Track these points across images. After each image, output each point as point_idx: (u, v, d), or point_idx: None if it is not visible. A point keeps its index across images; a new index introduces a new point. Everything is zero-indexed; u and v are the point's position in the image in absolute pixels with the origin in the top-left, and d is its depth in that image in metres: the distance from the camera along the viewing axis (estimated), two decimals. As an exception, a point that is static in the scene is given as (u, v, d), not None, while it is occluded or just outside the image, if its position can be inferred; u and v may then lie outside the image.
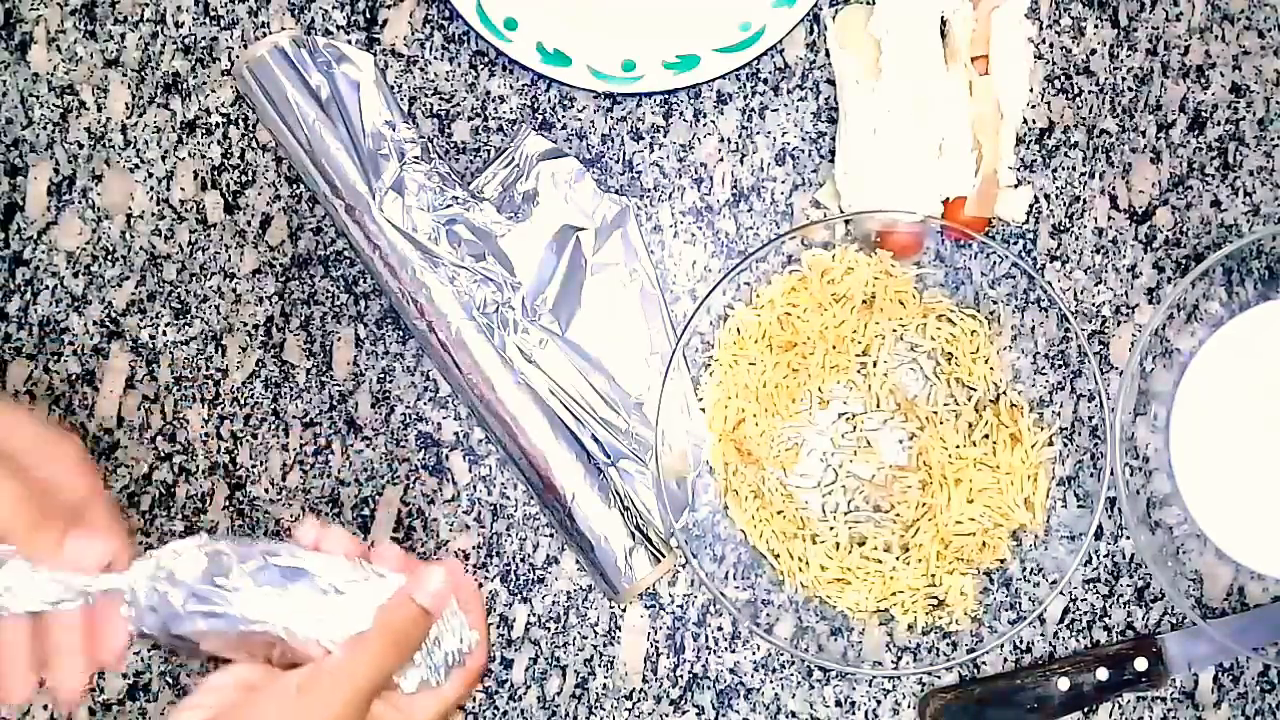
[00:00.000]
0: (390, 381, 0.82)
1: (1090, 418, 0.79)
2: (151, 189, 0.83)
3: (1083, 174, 0.82)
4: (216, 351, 0.83)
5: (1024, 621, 0.78)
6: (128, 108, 0.83)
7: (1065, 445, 0.80)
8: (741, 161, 0.82)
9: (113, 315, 0.83)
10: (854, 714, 0.81)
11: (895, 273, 0.80)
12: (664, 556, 0.79)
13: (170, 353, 0.83)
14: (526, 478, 0.80)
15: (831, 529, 0.80)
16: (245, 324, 0.83)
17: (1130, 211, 0.82)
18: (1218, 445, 0.78)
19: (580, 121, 0.83)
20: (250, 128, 0.83)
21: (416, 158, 0.78)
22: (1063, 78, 0.82)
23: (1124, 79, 0.82)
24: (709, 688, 0.81)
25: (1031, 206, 0.82)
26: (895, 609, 0.80)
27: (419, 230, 0.78)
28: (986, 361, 0.80)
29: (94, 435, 0.82)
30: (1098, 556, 0.81)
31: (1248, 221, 0.82)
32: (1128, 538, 0.81)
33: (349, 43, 0.81)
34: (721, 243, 0.82)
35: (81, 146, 0.83)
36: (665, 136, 0.82)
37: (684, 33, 0.80)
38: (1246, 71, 0.82)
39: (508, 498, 0.82)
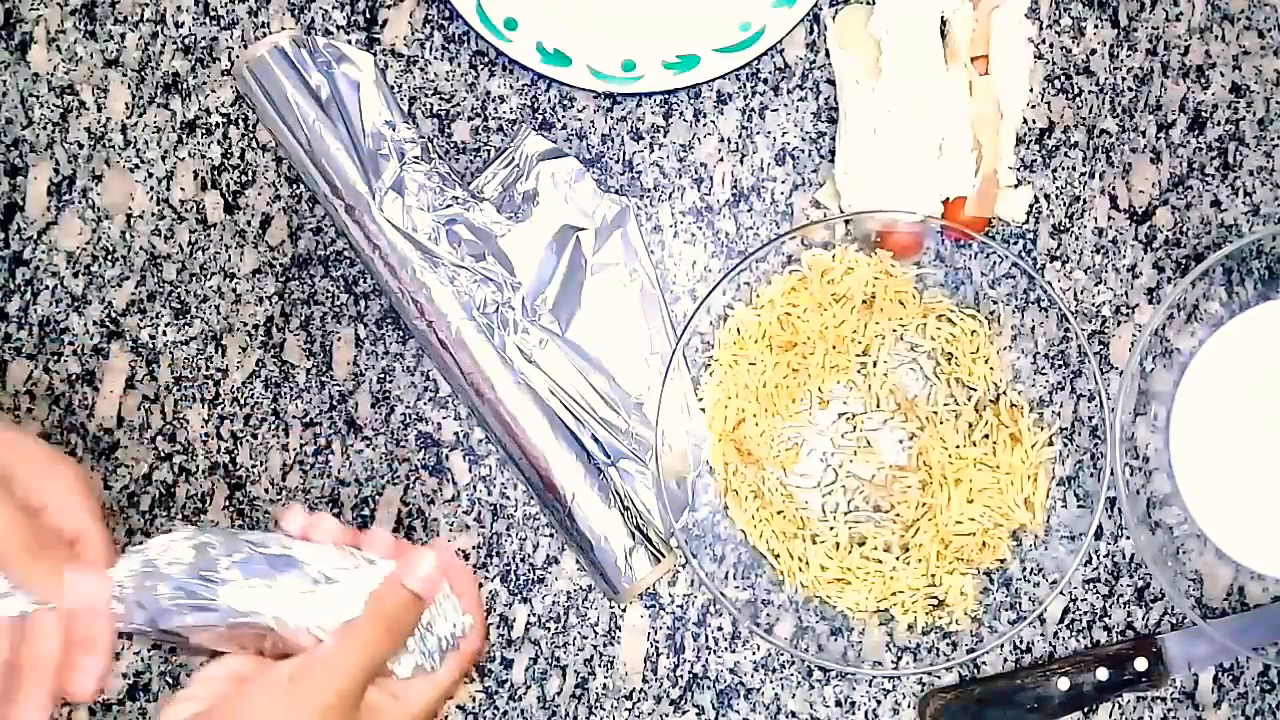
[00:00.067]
0: (390, 381, 0.82)
1: (1090, 418, 0.79)
2: (151, 189, 0.83)
3: (1083, 174, 0.82)
4: (216, 351, 0.83)
5: (1024, 621, 0.78)
6: (128, 108, 0.83)
7: (1065, 445, 0.80)
8: (741, 161, 0.82)
9: (113, 315, 0.83)
10: (854, 714, 0.81)
11: (895, 273, 0.80)
12: (664, 556, 0.79)
13: (170, 353, 0.83)
14: (526, 478, 0.80)
15: (831, 529, 0.80)
16: (245, 324, 0.83)
17: (1130, 211, 0.82)
18: (1218, 445, 0.78)
19: (580, 121, 0.83)
20: (250, 128, 0.83)
21: (416, 158, 0.78)
22: (1063, 78, 0.82)
23: (1124, 79, 0.82)
24: (709, 688, 0.81)
25: (1031, 206, 0.82)
26: (895, 609, 0.80)
27: (419, 230, 0.78)
28: (986, 361, 0.80)
29: (94, 435, 0.82)
30: (1098, 556, 0.81)
31: (1248, 221, 0.82)
32: (1128, 538, 0.81)
33: (349, 43, 0.81)
34: (721, 243, 0.82)
35: (81, 146, 0.83)
36: (665, 136, 0.82)
37: (684, 33, 0.80)
38: (1246, 71, 0.82)
39: (508, 498, 0.82)
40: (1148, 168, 0.82)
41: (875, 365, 0.80)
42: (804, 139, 0.82)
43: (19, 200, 0.83)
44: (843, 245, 0.80)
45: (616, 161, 0.82)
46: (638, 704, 0.81)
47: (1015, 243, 0.82)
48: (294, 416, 0.82)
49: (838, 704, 0.81)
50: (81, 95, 0.83)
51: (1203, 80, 0.82)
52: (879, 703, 0.81)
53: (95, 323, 0.83)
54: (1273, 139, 0.82)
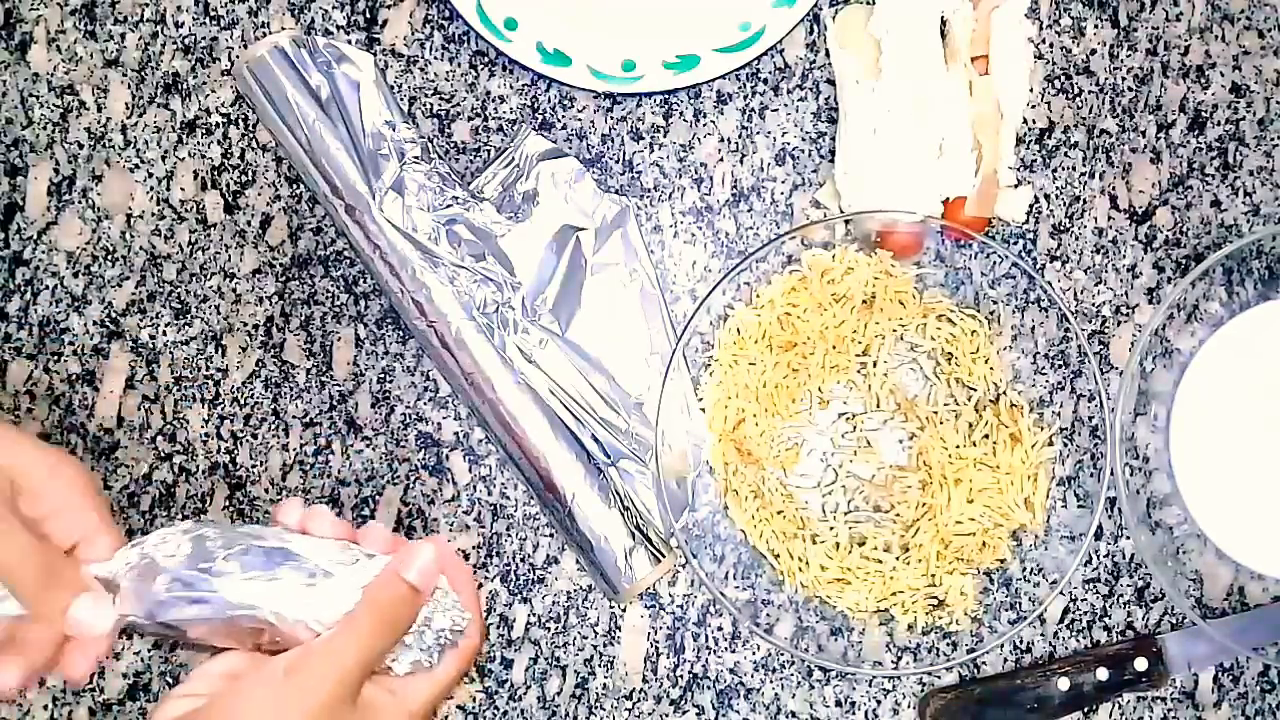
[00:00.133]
0: (390, 381, 0.82)
1: (1090, 418, 0.79)
2: (151, 189, 0.83)
3: (1083, 174, 0.82)
4: (216, 351, 0.83)
5: (1024, 621, 0.78)
6: (128, 108, 0.83)
7: (1065, 445, 0.80)
8: (741, 161, 0.82)
9: (113, 315, 0.83)
10: (854, 714, 0.81)
11: (895, 273, 0.80)
12: (664, 556, 0.79)
13: (170, 353, 0.83)
14: (526, 478, 0.80)
15: (831, 529, 0.80)
16: (245, 324, 0.83)
17: (1130, 211, 0.82)
18: (1218, 445, 0.78)
19: (580, 121, 0.83)
20: (250, 128, 0.83)
21: (416, 158, 0.78)
22: (1063, 78, 0.82)
23: (1124, 79, 0.82)
24: (709, 688, 0.81)
25: (1031, 206, 0.82)
26: (895, 609, 0.80)
27: (419, 230, 0.78)
28: (986, 361, 0.80)
29: (94, 435, 0.82)
30: (1098, 556, 0.81)
31: (1248, 221, 0.82)
32: (1128, 538, 0.81)
33: (349, 43, 0.81)
34: (721, 243, 0.82)
35: (81, 146, 0.83)
36: (665, 136, 0.82)
37: (684, 33, 0.80)
38: (1246, 71, 0.82)
39: (508, 498, 0.82)
40: (1148, 168, 0.82)
41: (875, 365, 0.80)
42: (804, 139, 0.82)
43: (19, 200, 0.83)
44: (843, 245, 0.80)
45: (616, 161, 0.82)
46: (638, 704, 0.81)
47: (1015, 243, 0.82)
48: (294, 416, 0.82)
49: (838, 704, 0.81)
50: (81, 95, 0.83)
51: (1203, 80, 0.82)
52: (879, 703, 0.81)
53: (95, 323, 0.83)
54: (1273, 139, 0.82)
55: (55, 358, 0.83)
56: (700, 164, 0.82)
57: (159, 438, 0.83)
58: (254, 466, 0.82)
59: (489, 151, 0.83)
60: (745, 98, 0.82)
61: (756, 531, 0.80)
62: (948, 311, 0.81)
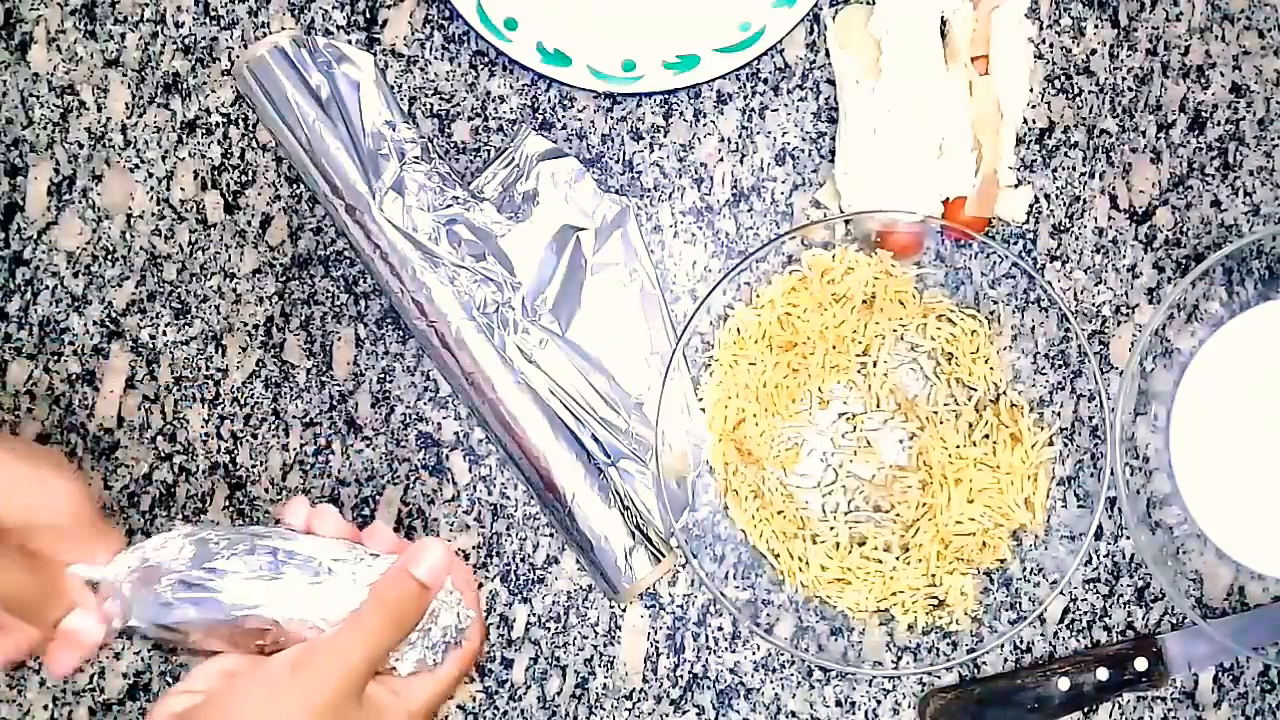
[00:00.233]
0: (390, 381, 0.82)
1: (1090, 418, 0.79)
2: (151, 189, 0.83)
3: (1083, 174, 0.82)
4: (216, 351, 0.83)
5: (1024, 621, 0.78)
6: (128, 108, 0.83)
7: (1065, 445, 0.80)
8: (741, 161, 0.82)
9: (113, 315, 0.83)
10: (854, 714, 0.81)
11: (895, 273, 0.80)
12: (664, 556, 0.79)
13: (170, 353, 0.83)
14: (526, 478, 0.80)
15: (832, 529, 0.80)
16: (245, 324, 0.83)
17: (1130, 211, 0.82)
18: (1218, 445, 0.78)
19: (580, 121, 0.83)
20: (250, 128, 0.83)
21: (416, 158, 0.78)
22: (1063, 78, 0.82)
23: (1124, 79, 0.82)
24: (709, 688, 0.81)
25: (1031, 206, 0.82)
26: (895, 609, 0.80)
27: (419, 230, 0.78)
28: (986, 361, 0.80)
29: (94, 435, 0.82)
30: (1098, 556, 0.81)
31: (1248, 221, 0.82)
32: (1128, 538, 0.81)
33: (349, 43, 0.81)
34: (721, 243, 0.82)
35: (81, 146, 0.83)
36: (665, 136, 0.82)
37: (684, 33, 0.80)
38: (1246, 71, 0.82)
39: (508, 498, 0.82)
40: (1148, 168, 0.82)
41: (875, 365, 0.80)
42: (804, 139, 0.82)
43: (19, 200, 0.83)
44: (843, 245, 0.80)
45: (616, 161, 0.82)
46: (638, 704, 0.81)
47: (1015, 243, 0.82)
48: (294, 416, 0.82)
49: (838, 704, 0.81)
50: (81, 95, 0.83)
51: (1203, 80, 0.82)
52: (879, 703, 0.81)
53: (95, 323, 0.83)
54: (1273, 139, 0.82)
55: (55, 358, 0.83)
56: (700, 164, 0.82)
57: (159, 438, 0.83)
58: (254, 466, 0.82)
59: (489, 151, 0.83)
60: (745, 98, 0.82)
61: (756, 531, 0.80)
62: (948, 311, 0.81)
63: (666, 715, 0.81)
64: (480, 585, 0.81)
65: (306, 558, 0.65)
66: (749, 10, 0.80)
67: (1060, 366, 0.80)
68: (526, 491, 0.82)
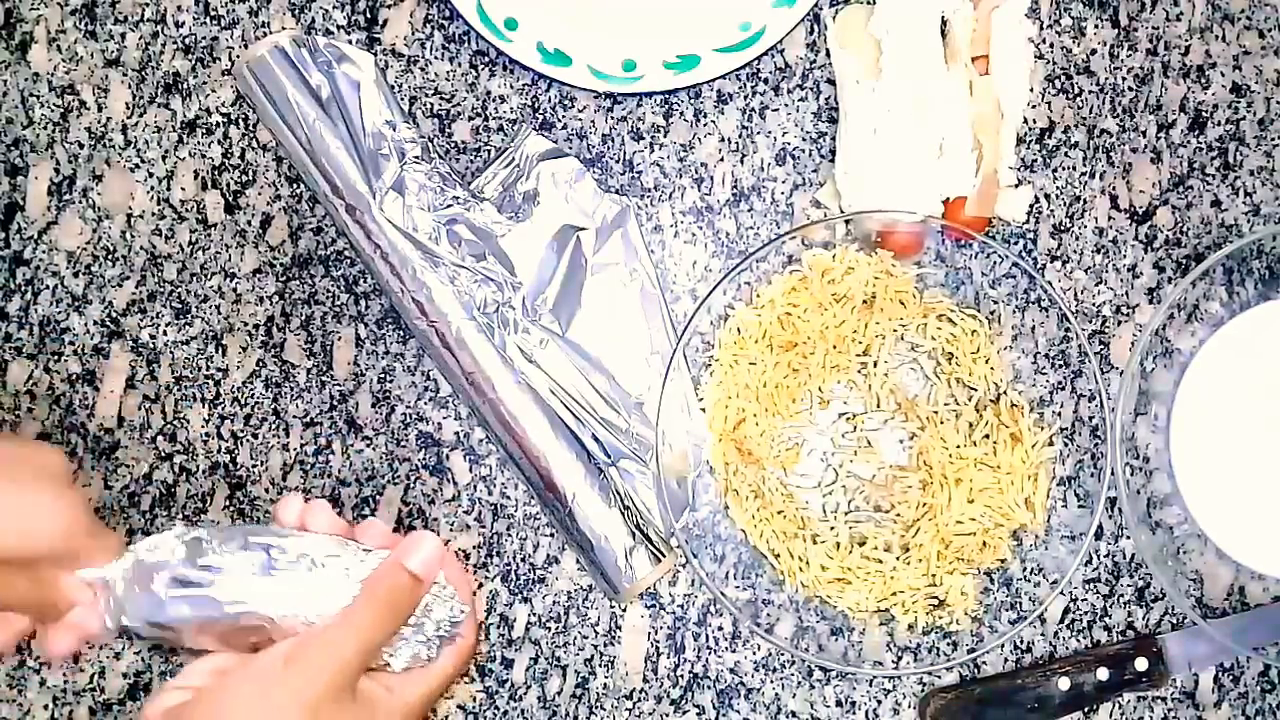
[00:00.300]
0: (390, 381, 0.82)
1: (1090, 418, 0.79)
2: (152, 189, 0.83)
3: (1083, 174, 0.82)
4: (217, 351, 0.83)
5: (1024, 621, 0.78)
6: (128, 107, 0.83)
7: (1065, 445, 0.80)
8: (742, 161, 0.82)
9: (113, 315, 0.83)
10: (854, 714, 0.81)
11: (895, 272, 0.80)
12: (664, 556, 0.79)
13: (170, 353, 0.83)
14: (527, 477, 0.80)
15: (832, 529, 0.80)
16: (245, 324, 0.83)
17: (1131, 211, 0.82)
18: (1218, 445, 0.78)
19: (580, 121, 0.83)
20: (250, 128, 0.83)
21: (417, 157, 0.78)
22: (1063, 78, 0.82)
23: (1124, 79, 0.82)
24: (709, 688, 0.81)
25: (1032, 206, 0.82)
26: (895, 609, 0.80)
27: (419, 230, 0.78)
28: (987, 361, 0.80)
29: (94, 435, 0.82)
30: (1098, 556, 0.81)
31: (1248, 221, 0.82)
32: (1128, 538, 0.81)
33: (349, 42, 0.81)
34: (722, 243, 0.82)
35: (82, 146, 0.83)
36: (665, 136, 0.82)
37: (684, 33, 0.80)
38: (1247, 71, 0.82)
39: (508, 498, 0.82)
40: (1148, 168, 0.82)
41: (875, 365, 0.80)
42: (804, 139, 0.82)
43: (19, 200, 0.83)
44: (843, 245, 0.80)
45: (617, 161, 0.82)
46: (638, 704, 0.81)
47: (1015, 243, 0.82)
48: (294, 416, 0.82)
49: (838, 704, 0.81)
50: (82, 95, 0.83)
51: (1203, 80, 0.82)
52: (879, 703, 0.81)
53: (95, 322, 0.83)
54: (1273, 139, 0.82)
55: (55, 357, 0.83)
56: (700, 164, 0.82)
57: (159, 438, 0.83)
58: (254, 466, 0.82)
59: (489, 151, 0.83)
60: (745, 98, 0.82)
61: (757, 531, 0.80)
62: (948, 311, 0.81)
63: (667, 715, 0.81)
64: (480, 585, 0.81)
65: (299, 554, 0.65)
66: (749, 10, 0.80)
67: (1060, 366, 0.80)
68: (527, 491, 0.82)
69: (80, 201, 0.83)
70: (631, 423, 0.80)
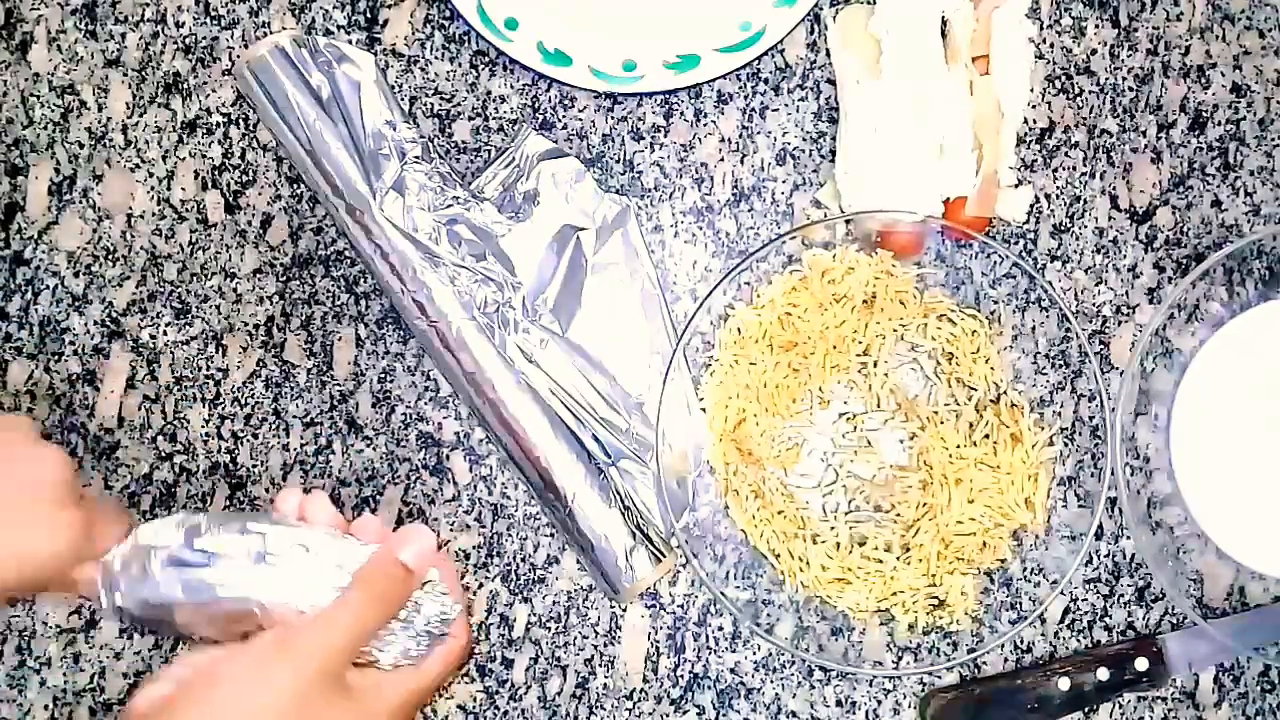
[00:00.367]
0: (391, 381, 0.82)
1: (1091, 418, 0.79)
2: (152, 189, 0.83)
3: (1083, 174, 0.82)
4: (217, 351, 0.83)
5: (1024, 621, 0.78)
6: (128, 107, 0.83)
7: (1066, 445, 0.80)
8: (742, 161, 0.82)
9: (113, 315, 0.83)
10: (854, 714, 0.81)
11: (896, 273, 0.80)
12: (664, 556, 0.79)
13: (171, 352, 0.83)
14: (527, 477, 0.80)
15: (832, 529, 0.80)
16: (246, 324, 0.83)
17: (1131, 211, 0.82)
18: (1218, 445, 0.78)
19: (581, 121, 0.83)
20: (251, 128, 0.83)
21: (417, 157, 0.78)
22: (1063, 78, 0.82)
23: (1124, 79, 0.82)
24: (709, 688, 0.81)
25: (1032, 206, 0.82)
26: (896, 609, 0.80)
27: (420, 230, 0.78)
28: (987, 361, 0.80)
29: (94, 435, 0.82)
30: (1098, 556, 0.81)
31: (1248, 221, 0.82)
32: (1128, 538, 0.81)
33: (350, 42, 0.81)
34: (722, 243, 0.82)
35: (82, 146, 0.83)
36: (666, 136, 0.82)
37: (684, 33, 0.80)
38: (1247, 71, 0.82)
39: (508, 498, 0.82)
40: (1148, 168, 0.82)
41: (876, 365, 0.80)
42: (804, 139, 0.82)
43: (19, 200, 0.83)
44: (843, 245, 0.80)
45: (617, 161, 0.82)
46: (638, 704, 0.81)
47: (1016, 243, 0.82)
48: (294, 416, 0.82)
49: (838, 704, 0.81)
50: (82, 95, 0.83)
51: (1203, 80, 0.82)
52: (879, 703, 0.81)
53: (96, 323, 0.83)
54: (1273, 139, 0.82)
55: (56, 357, 0.83)
56: (701, 164, 0.82)
57: (159, 437, 0.83)
58: (254, 466, 0.82)
59: (489, 151, 0.83)
60: (746, 98, 0.82)
61: (757, 531, 0.80)
62: (948, 311, 0.81)
63: (667, 715, 0.81)
64: (480, 585, 0.81)
65: (295, 543, 0.66)
66: (749, 10, 0.80)
67: (1061, 366, 0.80)
68: (527, 491, 0.82)
69: (80, 201, 0.83)
70: (632, 423, 0.80)
